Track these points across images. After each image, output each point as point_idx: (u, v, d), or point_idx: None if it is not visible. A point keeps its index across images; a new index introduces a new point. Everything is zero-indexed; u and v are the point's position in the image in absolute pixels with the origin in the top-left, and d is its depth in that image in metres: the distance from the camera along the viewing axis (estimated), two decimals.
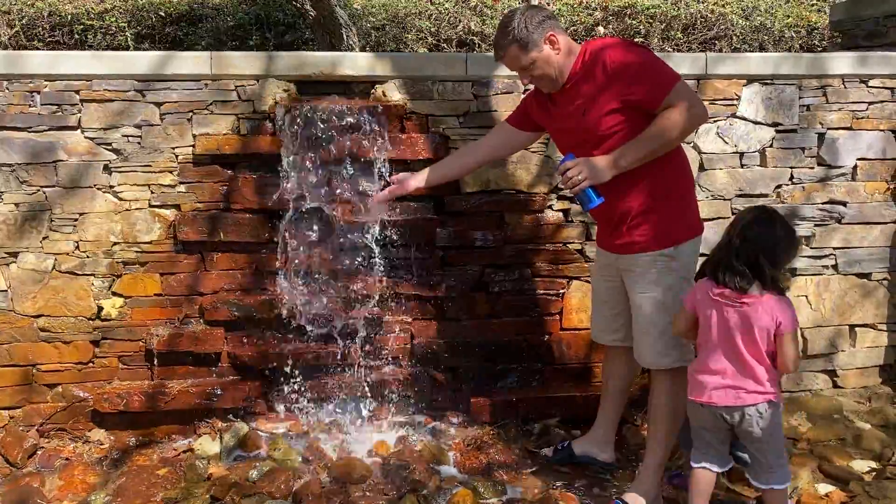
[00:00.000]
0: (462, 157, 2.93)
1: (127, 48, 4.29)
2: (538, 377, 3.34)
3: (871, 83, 3.44)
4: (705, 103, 3.27)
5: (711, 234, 3.33)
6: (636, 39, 4.64)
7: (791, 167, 3.43)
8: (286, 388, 3.16)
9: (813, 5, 5.27)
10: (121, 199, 3.12)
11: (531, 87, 2.73)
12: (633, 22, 4.66)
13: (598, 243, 2.82)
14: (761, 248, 2.31)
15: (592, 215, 2.83)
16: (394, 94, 3.19)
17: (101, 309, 3.15)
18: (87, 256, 3.12)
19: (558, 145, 2.74)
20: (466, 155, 2.92)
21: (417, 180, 2.86)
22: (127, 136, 3.09)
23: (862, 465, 2.94)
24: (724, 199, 3.40)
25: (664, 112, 2.39)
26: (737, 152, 3.38)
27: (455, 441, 3.10)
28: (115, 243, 3.13)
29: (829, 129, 3.43)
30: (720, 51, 4.65)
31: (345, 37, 4.04)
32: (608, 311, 2.82)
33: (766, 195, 3.42)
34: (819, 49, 4.77)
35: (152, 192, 3.13)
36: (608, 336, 2.86)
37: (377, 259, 3.17)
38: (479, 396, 3.21)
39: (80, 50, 4.24)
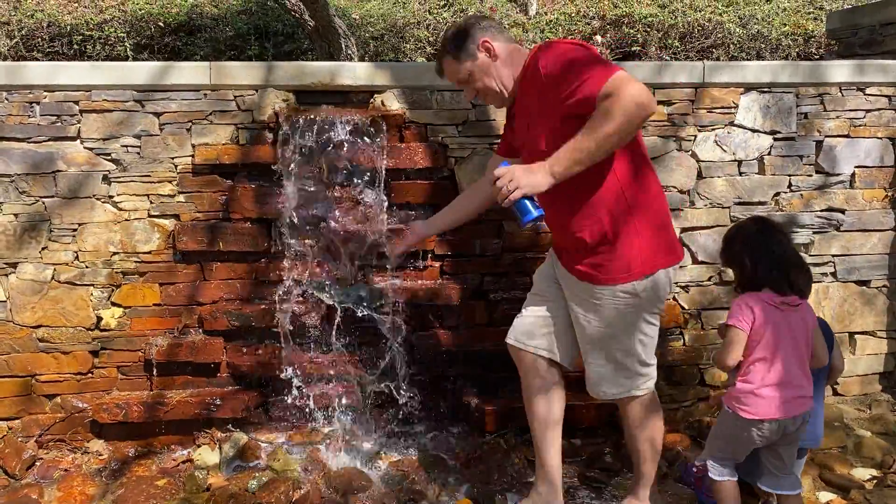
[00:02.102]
0: (469, 199, 2.75)
1: (126, 58, 4.30)
2: None
3: (868, 91, 3.45)
4: (703, 111, 3.31)
5: (711, 243, 3.36)
6: (633, 48, 4.65)
7: (789, 175, 3.44)
8: (285, 398, 3.16)
9: (810, 13, 5.28)
10: (120, 210, 3.12)
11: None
12: (631, 31, 4.68)
13: (554, 248, 2.56)
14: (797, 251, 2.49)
15: (549, 226, 2.55)
16: (393, 103, 3.19)
17: (100, 319, 3.15)
18: (87, 267, 3.12)
19: None
20: (473, 195, 2.74)
21: (429, 229, 2.82)
22: (126, 146, 3.09)
23: (863, 473, 2.94)
24: (723, 207, 3.40)
25: (598, 106, 2.03)
26: (735, 160, 3.39)
27: (455, 450, 3.09)
28: (114, 253, 3.13)
29: (827, 136, 3.44)
30: (717, 59, 4.67)
31: (343, 46, 4.05)
32: (541, 302, 2.56)
33: (764, 203, 3.42)
34: (816, 57, 4.79)
35: (151, 202, 3.13)
36: (530, 341, 2.54)
37: (375, 267, 3.18)
38: (479, 405, 3.20)
39: (80, 60, 4.25)
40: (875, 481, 2.88)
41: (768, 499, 2.59)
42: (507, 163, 2.18)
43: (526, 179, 2.08)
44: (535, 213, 2.13)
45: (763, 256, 2.43)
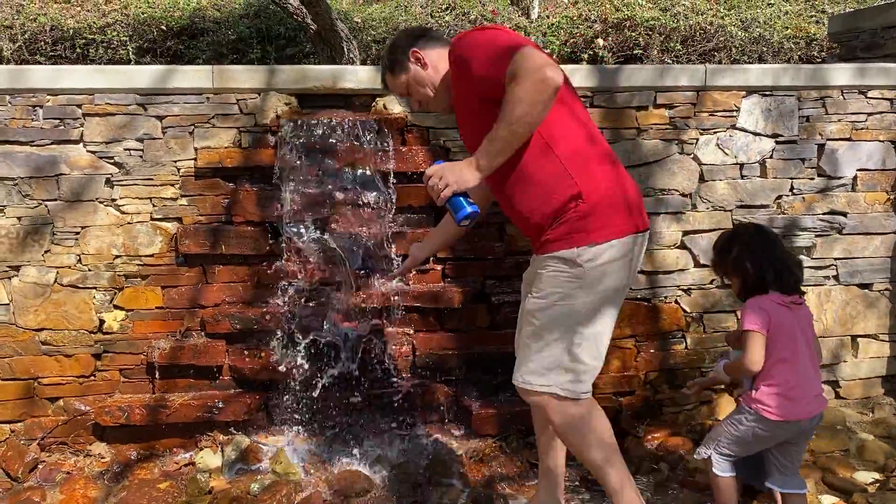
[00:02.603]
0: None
1: (128, 62, 4.31)
2: None
3: (870, 94, 3.45)
4: (705, 115, 3.31)
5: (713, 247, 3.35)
6: (635, 52, 4.65)
7: (791, 178, 3.44)
8: (288, 401, 3.16)
9: (811, 17, 5.29)
10: (123, 213, 3.13)
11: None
12: (633, 34, 4.68)
13: None
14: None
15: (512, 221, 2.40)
16: (394, 106, 3.20)
17: (102, 322, 3.15)
18: (89, 270, 3.13)
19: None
20: None
21: (423, 252, 2.76)
22: (129, 149, 3.10)
23: (865, 477, 2.93)
24: (725, 210, 3.40)
25: (506, 89, 1.97)
26: (737, 163, 3.39)
27: (457, 453, 3.09)
28: (116, 256, 3.14)
29: (828, 140, 3.44)
30: (719, 62, 4.67)
31: (346, 50, 4.06)
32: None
33: (766, 206, 3.43)
34: (818, 60, 4.79)
35: (154, 206, 3.14)
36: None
37: (378, 271, 3.18)
38: (480, 408, 3.20)
39: (82, 64, 4.26)
40: (878, 485, 2.88)
41: (773, 499, 2.60)
42: (440, 161, 2.16)
43: (454, 177, 2.07)
44: (468, 209, 2.09)
45: (767, 259, 2.43)
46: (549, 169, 2.10)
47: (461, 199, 2.10)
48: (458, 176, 2.08)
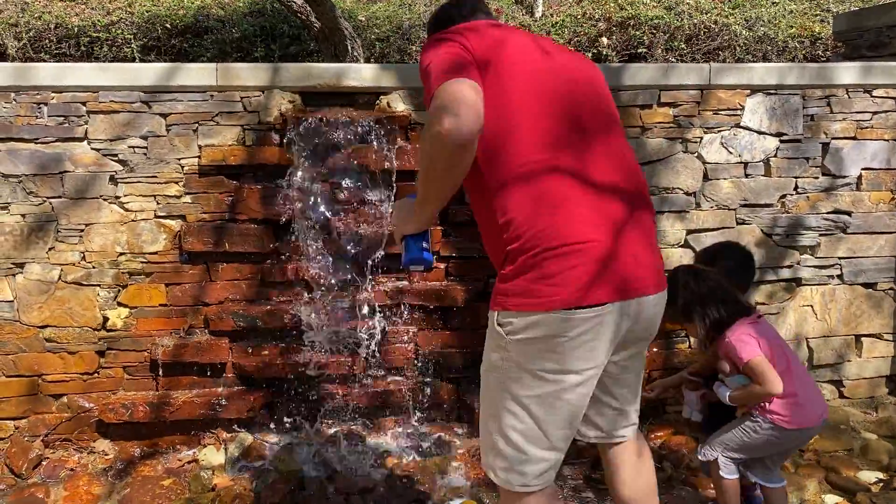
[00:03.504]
0: None
1: (133, 60, 4.32)
2: None
3: (875, 93, 3.44)
4: (709, 113, 3.30)
5: None
6: (639, 50, 4.65)
7: (796, 177, 3.43)
8: (291, 399, 3.16)
9: (816, 16, 5.28)
10: (127, 210, 3.14)
11: None
12: (637, 33, 4.68)
13: None
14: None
15: None
16: (398, 104, 3.20)
17: (106, 319, 3.16)
18: (93, 267, 3.13)
19: None
20: None
21: None
22: (133, 147, 3.10)
23: (869, 476, 2.92)
24: (729, 209, 3.40)
25: None
26: (741, 162, 3.38)
27: (460, 451, 3.09)
28: (120, 254, 3.14)
29: (833, 138, 3.44)
30: (724, 61, 4.67)
31: (349, 48, 4.06)
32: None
33: (770, 205, 3.42)
34: (822, 59, 4.78)
35: (158, 203, 3.14)
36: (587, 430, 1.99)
37: (382, 269, 3.18)
38: None
39: (87, 62, 4.26)
40: (881, 484, 2.87)
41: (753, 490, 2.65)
42: (413, 196, 1.90)
43: (398, 221, 1.96)
44: (413, 254, 1.91)
45: (717, 299, 2.45)
46: (485, 213, 1.78)
47: (413, 240, 1.92)
48: (399, 220, 1.95)
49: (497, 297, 1.72)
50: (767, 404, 2.41)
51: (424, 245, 1.93)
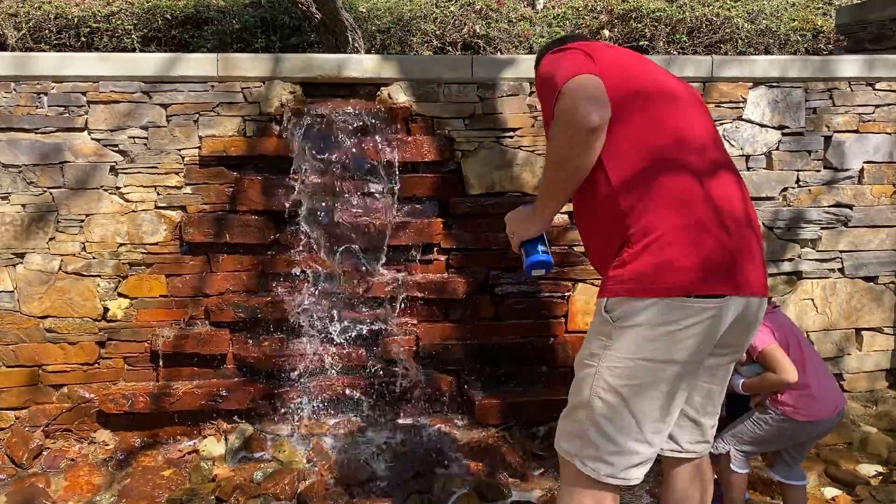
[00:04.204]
0: None
1: (133, 50, 4.30)
2: (543, 380, 3.33)
3: (877, 86, 3.43)
4: (711, 106, 3.29)
5: None
6: (641, 43, 4.63)
7: (797, 170, 3.43)
8: (291, 390, 3.16)
9: (819, 8, 5.26)
10: (127, 201, 3.13)
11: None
12: (639, 25, 4.66)
13: None
14: None
15: None
16: (399, 96, 3.19)
17: (106, 310, 3.15)
18: (94, 257, 3.13)
19: None
20: None
21: None
22: (133, 137, 3.10)
23: (868, 470, 2.93)
24: None
25: None
26: (743, 155, 3.38)
27: (460, 443, 3.09)
28: (121, 244, 3.14)
29: (835, 132, 3.43)
30: (725, 54, 4.65)
31: (350, 39, 4.05)
32: None
33: (772, 198, 3.41)
34: (825, 52, 4.76)
35: (158, 194, 3.14)
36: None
37: (382, 261, 3.18)
38: (484, 399, 3.20)
39: (87, 52, 4.25)
40: (881, 477, 2.88)
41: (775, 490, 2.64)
42: (528, 205, 2.00)
43: (516, 227, 2.01)
44: (536, 257, 1.95)
45: None
46: (605, 204, 1.79)
47: (531, 245, 1.97)
48: (518, 226, 2.00)
49: (608, 284, 1.75)
50: (779, 395, 2.40)
51: (542, 248, 1.97)
